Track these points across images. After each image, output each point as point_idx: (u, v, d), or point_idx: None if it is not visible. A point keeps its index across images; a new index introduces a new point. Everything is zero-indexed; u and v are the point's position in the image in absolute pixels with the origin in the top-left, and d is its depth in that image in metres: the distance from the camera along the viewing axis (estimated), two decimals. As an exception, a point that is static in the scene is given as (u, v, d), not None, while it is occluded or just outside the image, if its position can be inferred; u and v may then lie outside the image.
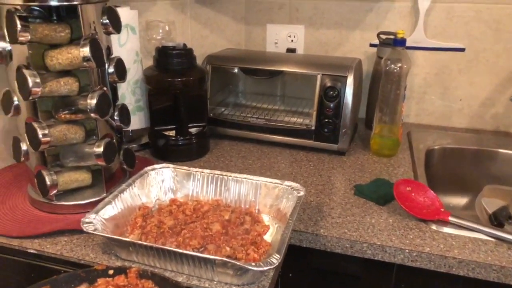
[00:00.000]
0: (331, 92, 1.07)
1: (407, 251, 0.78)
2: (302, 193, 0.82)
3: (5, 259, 0.75)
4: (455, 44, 1.27)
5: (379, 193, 0.94)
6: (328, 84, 1.07)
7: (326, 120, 1.09)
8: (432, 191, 0.91)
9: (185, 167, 0.91)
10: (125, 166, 0.93)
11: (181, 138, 1.09)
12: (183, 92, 1.05)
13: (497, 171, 1.21)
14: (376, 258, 0.80)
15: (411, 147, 1.20)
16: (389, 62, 1.08)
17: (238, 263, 0.64)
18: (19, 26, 0.70)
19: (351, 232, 0.83)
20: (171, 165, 0.91)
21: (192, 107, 1.08)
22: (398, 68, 1.07)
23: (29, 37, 0.72)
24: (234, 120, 1.19)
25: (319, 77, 1.09)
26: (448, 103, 1.33)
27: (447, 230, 0.84)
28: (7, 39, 0.73)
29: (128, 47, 1.06)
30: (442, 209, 0.87)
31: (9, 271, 0.74)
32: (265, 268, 0.63)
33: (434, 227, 0.84)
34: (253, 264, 0.64)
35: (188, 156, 1.11)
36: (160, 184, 0.90)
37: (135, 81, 1.10)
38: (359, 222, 0.86)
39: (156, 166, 0.91)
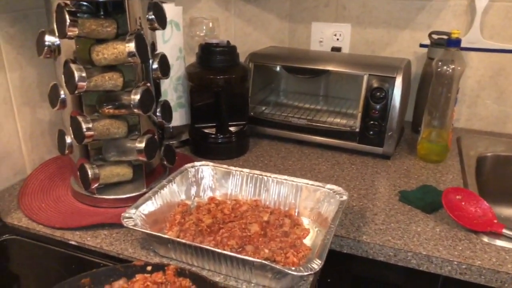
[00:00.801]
0: (378, 93, 1.03)
1: (455, 263, 0.73)
2: (345, 197, 0.79)
3: (48, 249, 0.77)
4: (513, 46, 1.19)
5: (426, 201, 0.90)
6: (375, 85, 1.03)
7: (372, 122, 1.05)
8: (484, 201, 0.85)
9: (224, 166, 0.89)
10: (165, 162, 0.93)
11: (221, 136, 1.08)
12: (225, 89, 1.04)
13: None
14: (420, 268, 0.76)
15: (461, 153, 1.14)
16: (440, 63, 1.02)
17: (278, 267, 0.62)
18: (68, 21, 0.70)
19: (395, 240, 0.79)
20: (210, 163, 0.90)
21: (233, 105, 1.07)
22: (450, 70, 1.01)
23: (77, 32, 0.72)
24: (275, 119, 1.17)
25: (365, 77, 1.04)
26: (503, 107, 1.25)
27: (500, 243, 0.78)
28: (56, 33, 0.75)
29: (172, 43, 1.06)
30: (495, 221, 0.81)
31: (51, 261, 0.75)
32: (306, 274, 0.61)
33: (485, 239, 0.79)
34: (293, 268, 0.62)
35: (228, 154, 1.10)
36: (199, 182, 0.89)
37: (178, 78, 1.11)
38: (404, 230, 0.81)
39: (196, 163, 0.90)
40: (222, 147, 1.09)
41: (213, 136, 1.09)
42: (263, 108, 1.24)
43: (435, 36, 1.18)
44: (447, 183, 0.98)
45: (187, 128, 1.16)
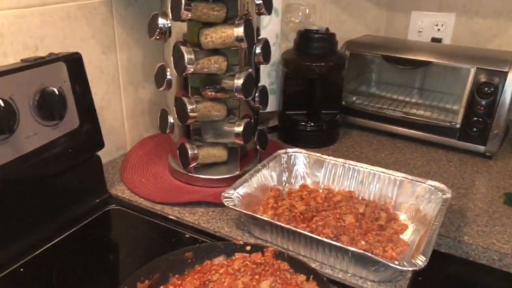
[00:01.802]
0: (486, 88, 0.96)
1: None
2: (448, 195, 0.75)
3: (149, 221, 0.81)
4: None
5: (534, 206, 0.83)
6: (483, 79, 0.96)
7: (476, 118, 0.98)
8: None
9: (318, 154, 0.89)
10: (258, 147, 0.94)
11: (312, 124, 1.08)
12: (320, 77, 1.03)
13: None
14: (527, 277, 0.71)
15: None
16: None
17: (381, 259, 0.61)
18: (183, 4, 0.73)
19: (501, 243, 0.74)
20: (303, 151, 0.90)
21: (327, 93, 1.06)
22: None
23: (190, 15, 0.75)
24: (368, 110, 1.14)
25: (472, 70, 0.98)
26: None
27: None
28: (170, 16, 0.78)
29: (269, 29, 1.07)
30: None
31: (152, 232, 0.80)
32: (410, 269, 0.59)
33: None
34: (396, 262, 0.61)
35: (317, 143, 1.09)
36: (291, 168, 0.90)
37: (272, 64, 1.11)
38: (511, 234, 0.76)
39: (289, 150, 0.91)
40: (312, 135, 1.09)
41: (303, 123, 1.08)
42: (355, 98, 1.21)
43: (551, 28, 1.08)
44: (557, 188, 0.91)
45: (275, 114, 1.17)
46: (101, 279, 0.69)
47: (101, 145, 0.84)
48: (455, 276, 0.82)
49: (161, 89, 0.87)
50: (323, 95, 1.06)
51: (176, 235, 0.78)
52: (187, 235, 0.77)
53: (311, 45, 1.02)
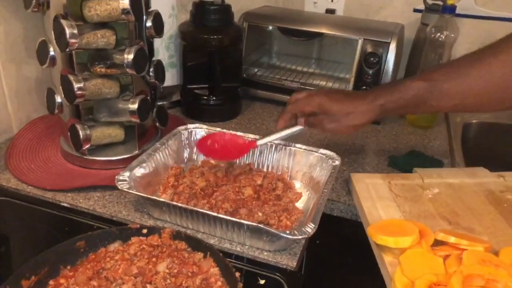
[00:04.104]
0: (372, 58, 1.02)
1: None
2: (337, 162, 0.80)
3: (40, 211, 0.76)
4: (506, 14, 1.19)
5: (413, 166, 0.91)
6: (369, 49, 1.02)
7: (364, 87, 1.05)
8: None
9: (218, 129, 0.89)
10: (157, 124, 0.92)
11: (214, 98, 1.07)
12: (218, 50, 1.02)
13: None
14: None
15: (448, 119, 1.16)
16: (434, 29, 1.02)
17: (272, 230, 0.64)
18: (57, -27, 0.67)
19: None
20: (204, 126, 0.90)
21: (226, 66, 1.05)
22: (444, 37, 1.01)
23: (68, -15, 0.69)
24: (268, 82, 1.16)
25: (360, 41, 1.04)
26: (491, 76, 1.27)
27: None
28: (45, -14, 0.71)
29: (164, 0, 1.02)
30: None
31: (45, 223, 0.75)
32: (300, 237, 0.63)
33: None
34: (287, 232, 0.64)
35: (220, 116, 1.09)
36: (193, 144, 0.89)
37: (170, 36, 1.07)
38: (393, 195, 0.84)
39: (189, 126, 0.90)
40: (214, 109, 1.08)
41: (205, 97, 1.07)
42: (256, 70, 1.22)
43: (429, 1, 1.17)
44: (434, 148, 1.01)
45: (178, 88, 1.14)
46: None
47: (-23, 130, 0.76)
48: (347, 236, 0.89)
49: (44, 66, 0.80)
50: (223, 68, 1.05)
51: (70, 224, 0.74)
52: (81, 222, 0.74)
53: (207, 17, 1.00)
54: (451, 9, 1.00)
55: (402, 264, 0.59)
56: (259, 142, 0.80)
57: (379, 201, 0.74)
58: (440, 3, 1.09)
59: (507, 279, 0.53)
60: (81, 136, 0.81)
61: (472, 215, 0.71)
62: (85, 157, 0.86)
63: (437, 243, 0.62)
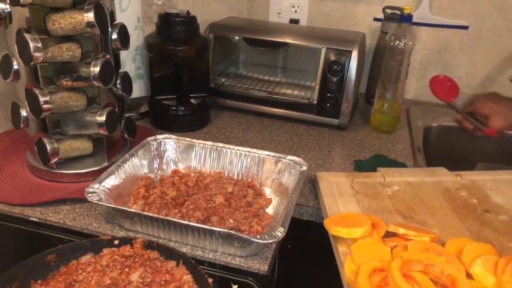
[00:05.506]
0: (335, 66, 1.06)
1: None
2: (304, 168, 0.82)
3: (7, 227, 0.75)
4: (459, 22, 1.26)
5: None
6: (333, 58, 1.06)
7: (329, 94, 1.08)
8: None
9: (187, 139, 0.90)
10: (126, 136, 0.92)
11: (182, 108, 1.08)
12: (185, 61, 1.03)
13: (490, 150, 1.23)
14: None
15: (410, 124, 1.21)
16: (393, 37, 1.06)
17: (243, 236, 0.65)
18: (20, -13, 0.67)
19: (352, 207, 0.84)
20: (173, 136, 0.91)
21: (194, 76, 1.06)
22: (402, 45, 1.06)
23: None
24: (236, 91, 1.18)
25: (323, 50, 1.07)
26: (448, 81, 1.33)
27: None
28: (7, 0, 0.71)
29: (130, 12, 1.03)
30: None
31: (13, 239, 0.74)
32: (270, 241, 0.64)
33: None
34: (258, 236, 0.65)
35: (189, 126, 1.10)
36: (162, 155, 0.90)
37: (136, 48, 1.08)
38: (360, 198, 0.87)
39: (158, 136, 0.90)
40: (183, 119, 1.09)
41: (173, 108, 1.08)
42: (223, 79, 1.24)
43: (388, 11, 1.23)
44: (397, 152, 1.05)
45: (146, 99, 1.15)
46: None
47: None
48: (318, 240, 0.91)
49: (8, 80, 0.79)
50: (190, 79, 1.06)
51: (40, 238, 0.73)
52: (51, 236, 0.73)
53: (173, 29, 1.01)
54: (408, 18, 1.05)
55: (352, 252, 0.63)
56: None
57: (340, 197, 0.78)
58: (398, 12, 1.15)
59: (444, 264, 0.58)
60: (49, 150, 0.80)
61: (427, 210, 0.75)
62: (53, 170, 0.85)
63: (389, 234, 0.67)
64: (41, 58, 0.72)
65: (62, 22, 0.74)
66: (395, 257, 0.61)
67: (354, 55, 1.06)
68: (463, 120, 0.99)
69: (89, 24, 0.73)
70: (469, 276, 0.59)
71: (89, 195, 0.71)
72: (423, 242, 0.64)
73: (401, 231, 0.66)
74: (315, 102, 1.11)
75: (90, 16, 0.72)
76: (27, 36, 0.71)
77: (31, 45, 0.71)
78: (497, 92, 1.03)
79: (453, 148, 1.24)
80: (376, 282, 0.57)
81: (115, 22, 0.84)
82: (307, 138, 1.09)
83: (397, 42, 1.06)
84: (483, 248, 0.63)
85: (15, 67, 0.78)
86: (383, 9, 1.23)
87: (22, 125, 0.82)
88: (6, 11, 0.73)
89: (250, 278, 0.66)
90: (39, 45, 0.71)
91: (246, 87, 1.19)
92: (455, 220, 0.73)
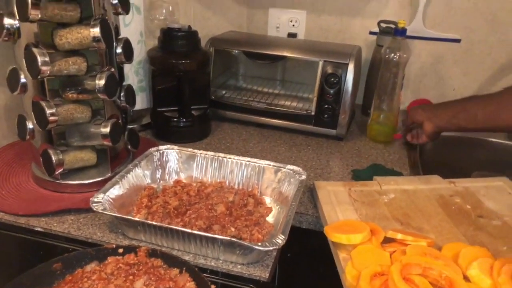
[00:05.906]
0: (332, 79, 1.09)
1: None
2: (304, 177, 0.84)
3: (13, 237, 0.76)
4: (451, 35, 1.29)
5: (376, 179, 0.97)
6: (330, 70, 1.09)
7: (326, 106, 1.11)
8: None
9: (189, 149, 0.92)
10: (129, 147, 0.94)
11: (184, 119, 1.10)
12: (186, 74, 1.06)
13: (486, 159, 1.25)
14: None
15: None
16: (388, 50, 1.09)
17: (245, 243, 0.67)
18: (30, 3, 0.69)
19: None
20: (175, 147, 0.93)
21: (195, 89, 1.09)
22: (397, 57, 1.09)
23: (39, 15, 0.71)
24: (236, 103, 1.20)
25: (320, 63, 1.10)
26: (442, 92, 1.37)
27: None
28: (17, 16, 0.73)
29: (133, 27, 1.06)
30: None
31: (18, 248, 0.75)
32: (271, 248, 0.66)
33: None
34: (259, 244, 0.67)
35: (190, 138, 1.12)
36: (164, 165, 0.92)
37: (139, 62, 1.11)
38: (357, 206, 0.89)
39: (160, 147, 0.92)
40: (184, 131, 1.11)
41: (175, 119, 1.10)
42: (224, 92, 1.27)
43: (383, 25, 1.26)
44: (394, 161, 1.07)
45: (148, 111, 1.17)
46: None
47: None
48: (316, 248, 0.93)
49: (15, 93, 0.81)
50: (191, 91, 1.08)
51: (45, 248, 0.74)
52: (56, 246, 0.74)
53: (175, 43, 1.04)
54: (402, 32, 1.08)
55: (353, 258, 0.65)
56: None
57: (338, 205, 0.80)
58: (392, 26, 1.18)
59: (442, 267, 0.60)
60: (54, 161, 0.82)
61: (423, 217, 0.78)
62: (58, 181, 0.86)
63: (387, 240, 0.69)
64: (48, 72, 0.75)
65: (69, 37, 0.76)
66: (394, 261, 0.63)
67: (351, 67, 1.09)
68: (405, 134, 1.12)
69: (95, 39, 0.76)
70: (466, 278, 0.61)
71: (94, 204, 0.73)
72: (421, 247, 0.66)
73: (399, 236, 0.68)
74: (313, 113, 1.14)
75: (96, 31, 0.75)
76: (35, 50, 0.73)
77: (39, 59, 0.73)
78: None
79: (449, 158, 1.27)
80: (377, 286, 0.59)
81: (120, 37, 0.86)
82: (305, 148, 1.12)
83: (392, 55, 1.09)
84: (479, 252, 0.65)
85: (23, 80, 0.80)
86: (378, 23, 1.26)
87: (28, 137, 0.84)
88: (15, 26, 0.76)
89: (251, 285, 0.68)
90: (47, 59, 0.74)
91: (246, 99, 1.22)
92: (450, 225, 0.75)
